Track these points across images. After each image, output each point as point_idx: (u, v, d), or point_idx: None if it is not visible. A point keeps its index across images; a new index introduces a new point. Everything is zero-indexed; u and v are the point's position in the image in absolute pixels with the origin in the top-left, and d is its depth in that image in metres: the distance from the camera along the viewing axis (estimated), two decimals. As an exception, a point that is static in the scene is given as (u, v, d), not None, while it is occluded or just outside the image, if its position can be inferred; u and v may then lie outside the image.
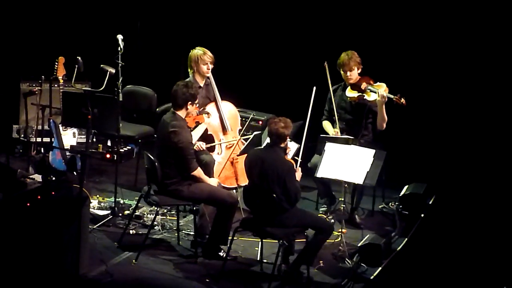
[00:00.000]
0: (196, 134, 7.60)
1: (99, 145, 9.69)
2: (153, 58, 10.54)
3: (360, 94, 8.08)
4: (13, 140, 9.46)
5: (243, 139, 7.85)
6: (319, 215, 8.09)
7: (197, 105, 7.33)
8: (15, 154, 9.41)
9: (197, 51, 7.90)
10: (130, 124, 9.04)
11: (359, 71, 8.15)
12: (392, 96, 7.92)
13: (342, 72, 8.15)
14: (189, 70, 7.97)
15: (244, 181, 7.58)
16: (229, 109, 8.09)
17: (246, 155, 7.05)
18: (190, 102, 7.15)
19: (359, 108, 8.13)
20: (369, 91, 8.04)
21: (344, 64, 8.09)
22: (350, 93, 8.14)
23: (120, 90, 7.88)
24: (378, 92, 7.94)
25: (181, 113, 7.17)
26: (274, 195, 6.62)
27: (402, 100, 7.90)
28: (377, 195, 8.54)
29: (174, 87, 7.20)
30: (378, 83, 8.08)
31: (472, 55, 9.60)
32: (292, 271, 6.94)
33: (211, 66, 7.92)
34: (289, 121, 6.86)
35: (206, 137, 7.85)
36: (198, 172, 7.20)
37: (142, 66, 10.16)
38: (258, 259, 7.18)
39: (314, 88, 7.57)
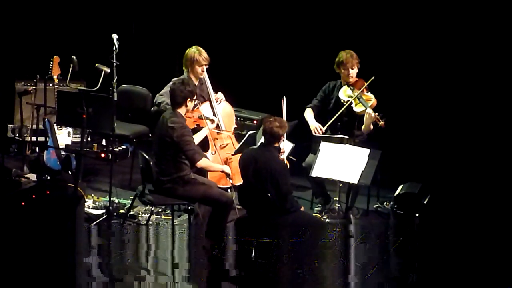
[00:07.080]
0: (197, 138, 7.53)
1: (94, 144, 9.67)
2: (148, 58, 10.54)
3: (349, 100, 7.97)
4: (8, 139, 9.44)
5: (235, 133, 7.87)
6: (313, 214, 8.09)
7: (196, 101, 7.34)
8: (10, 153, 9.38)
9: (193, 51, 7.90)
10: (125, 123, 9.03)
11: (357, 70, 8.11)
12: (373, 115, 7.78)
13: (342, 71, 8.05)
14: (184, 68, 7.98)
15: (239, 181, 7.57)
16: (223, 108, 8.08)
17: (240, 154, 7.05)
18: (189, 99, 7.15)
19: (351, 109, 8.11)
20: (359, 102, 7.94)
21: (347, 62, 7.98)
22: (343, 95, 8.09)
23: (115, 90, 7.88)
24: (367, 109, 7.82)
25: (181, 110, 7.17)
26: (269, 195, 6.62)
27: (382, 122, 7.76)
28: (372, 195, 8.53)
29: (171, 86, 7.21)
30: (368, 94, 7.98)
31: (466, 52, 9.59)
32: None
33: (205, 68, 7.93)
34: (285, 122, 6.86)
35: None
36: (205, 162, 7.16)
37: (137, 65, 10.15)
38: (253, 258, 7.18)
39: (284, 97, 7.51)
